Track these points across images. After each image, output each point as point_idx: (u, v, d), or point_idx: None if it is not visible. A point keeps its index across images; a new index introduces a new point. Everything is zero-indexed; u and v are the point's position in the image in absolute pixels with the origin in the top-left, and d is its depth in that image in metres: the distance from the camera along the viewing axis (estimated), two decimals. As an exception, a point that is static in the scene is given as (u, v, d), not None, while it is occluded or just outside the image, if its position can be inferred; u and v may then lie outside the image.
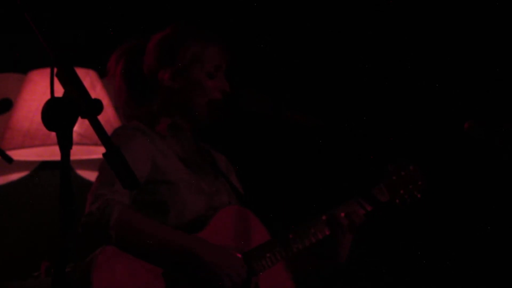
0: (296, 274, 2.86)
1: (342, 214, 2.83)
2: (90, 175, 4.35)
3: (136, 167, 2.53)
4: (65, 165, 1.67)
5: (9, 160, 2.40)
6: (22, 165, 4.33)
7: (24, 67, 4.16)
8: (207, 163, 2.90)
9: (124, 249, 2.53)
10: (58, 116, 1.66)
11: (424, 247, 4.18)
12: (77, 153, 4.12)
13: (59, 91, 1.70)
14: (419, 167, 3.03)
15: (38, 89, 4.00)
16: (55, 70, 1.70)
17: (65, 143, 1.68)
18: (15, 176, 4.37)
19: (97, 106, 1.65)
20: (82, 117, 1.67)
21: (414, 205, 3.01)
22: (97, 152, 4.04)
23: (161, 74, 2.82)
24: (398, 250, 4.19)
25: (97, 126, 1.67)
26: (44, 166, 4.32)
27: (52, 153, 4.11)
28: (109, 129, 3.93)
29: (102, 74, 4.20)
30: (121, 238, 2.50)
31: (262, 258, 2.72)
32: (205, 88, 2.80)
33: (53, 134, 1.68)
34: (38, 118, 3.86)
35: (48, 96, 1.69)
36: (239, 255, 2.68)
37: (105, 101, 4.02)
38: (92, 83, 4.03)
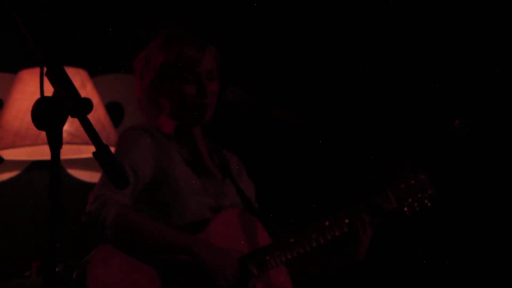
0: (295, 276, 2.86)
1: (347, 221, 2.85)
2: (81, 174, 4.34)
3: (140, 166, 2.64)
4: (55, 165, 1.67)
5: (0, 159, 2.40)
6: (13, 164, 4.32)
7: (15, 66, 4.15)
8: (216, 165, 2.91)
9: (120, 248, 2.56)
10: (47, 116, 1.66)
11: (423, 247, 4.17)
12: (68, 152, 4.11)
13: (49, 90, 1.70)
14: (429, 176, 2.96)
15: (28, 89, 3.99)
16: (45, 69, 1.70)
17: (55, 142, 1.68)
18: (5, 176, 4.36)
19: (87, 105, 1.65)
20: (72, 116, 1.67)
21: (423, 213, 2.96)
22: (88, 151, 4.04)
23: (136, 86, 2.87)
24: (397, 251, 4.19)
25: (87, 125, 1.67)
26: (34, 165, 4.32)
27: (43, 152, 4.10)
28: (99, 128, 3.94)
29: (93, 73, 4.20)
30: (117, 237, 2.53)
31: (261, 261, 2.73)
32: (183, 95, 2.79)
33: (44, 133, 1.68)
34: (28, 117, 3.82)
35: (38, 96, 1.69)
36: (236, 257, 2.68)
37: (96, 100, 4.02)
38: (83, 82, 4.03)
